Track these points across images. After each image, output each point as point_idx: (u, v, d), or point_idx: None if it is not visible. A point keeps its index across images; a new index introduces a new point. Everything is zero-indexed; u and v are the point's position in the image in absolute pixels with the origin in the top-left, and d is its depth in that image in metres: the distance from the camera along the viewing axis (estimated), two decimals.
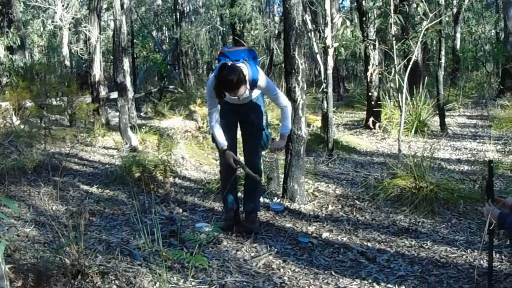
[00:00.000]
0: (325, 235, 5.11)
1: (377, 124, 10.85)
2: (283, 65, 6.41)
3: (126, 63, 13.29)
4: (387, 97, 11.40)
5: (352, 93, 19.41)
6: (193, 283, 3.95)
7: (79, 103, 12.24)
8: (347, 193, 6.49)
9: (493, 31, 25.28)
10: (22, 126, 10.13)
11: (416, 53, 11.56)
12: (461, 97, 15.29)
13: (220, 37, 26.10)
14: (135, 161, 7.45)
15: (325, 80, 8.45)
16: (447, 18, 16.01)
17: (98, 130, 10.80)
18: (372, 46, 10.78)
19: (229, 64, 4.58)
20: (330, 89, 8.47)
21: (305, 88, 6.08)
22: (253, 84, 4.75)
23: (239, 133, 5.30)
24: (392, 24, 7.93)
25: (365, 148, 9.48)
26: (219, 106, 4.89)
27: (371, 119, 11.01)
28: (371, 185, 6.58)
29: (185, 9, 21.48)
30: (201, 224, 5.38)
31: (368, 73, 11.01)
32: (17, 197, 6.37)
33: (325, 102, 8.89)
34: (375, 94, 11.31)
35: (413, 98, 10.85)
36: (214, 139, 5.04)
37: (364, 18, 10.79)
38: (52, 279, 3.77)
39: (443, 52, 10.97)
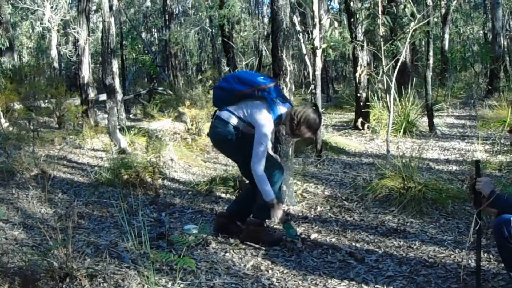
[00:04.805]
0: (313, 236, 5.12)
1: (366, 125, 10.88)
2: (272, 66, 6.41)
3: (115, 65, 13.28)
4: (375, 97, 11.44)
5: (341, 94, 19.46)
6: (181, 285, 3.94)
7: (67, 105, 12.19)
8: (335, 194, 6.51)
9: (481, 31, 25.42)
10: (10, 128, 10.09)
11: (404, 54, 11.56)
12: (449, 98, 15.36)
13: (209, 38, 26.09)
14: (124, 163, 7.44)
15: (314, 81, 8.46)
16: (435, 19, 16.10)
17: (87, 132, 10.75)
18: (360, 47, 10.82)
19: (315, 107, 4.78)
20: (318, 90, 8.48)
21: (293, 90, 6.09)
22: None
23: None
24: (380, 25, 7.95)
25: (353, 149, 9.50)
26: None
27: (359, 119, 11.03)
28: (360, 185, 6.61)
29: (174, 10, 21.43)
30: (189, 226, 5.38)
31: (357, 74, 11.04)
32: (5, 200, 6.35)
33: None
34: (364, 95, 11.35)
35: (402, 99, 10.89)
36: (265, 189, 4.66)
37: (352, 19, 10.82)
38: (39, 282, 3.76)
39: (431, 53, 11.03)
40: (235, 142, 4.77)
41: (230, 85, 4.86)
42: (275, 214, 4.70)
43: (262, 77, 4.88)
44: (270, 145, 5.35)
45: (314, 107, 4.70)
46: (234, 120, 4.77)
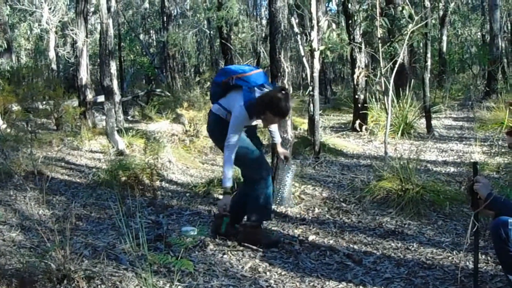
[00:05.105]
0: (311, 237, 5.12)
1: (364, 127, 10.88)
2: (269, 68, 6.42)
3: (113, 67, 13.25)
4: (373, 99, 11.44)
5: (339, 95, 19.51)
6: (179, 287, 3.94)
7: (65, 106, 12.18)
8: (333, 195, 6.51)
9: (479, 33, 25.43)
10: (8, 130, 10.07)
11: (402, 56, 11.60)
12: (447, 99, 15.39)
13: (207, 40, 26.10)
14: (122, 165, 7.43)
15: (311, 83, 8.46)
16: (433, 21, 16.10)
17: (84, 134, 10.73)
18: (358, 49, 10.82)
19: (287, 91, 4.64)
20: (316, 92, 8.48)
21: (291, 91, 6.08)
22: None
23: None
24: (378, 27, 7.96)
25: (351, 151, 9.50)
26: None
27: (357, 121, 11.03)
28: (358, 187, 6.60)
29: (172, 12, 21.45)
30: (187, 228, 5.36)
31: (355, 76, 11.05)
32: (3, 202, 6.33)
33: (311, 105, 8.91)
34: (362, 96, 11.35)
35: (400, 101, 10.89)
36: (226, 173, 4.66)
37: (350, 21, 10.83)
38: (37, 284, 3.75)
39: (429, 55, 11.03)
40: (224, 133, 4.78)
41: (218, 78, 4.99)
42: (220, 202, 4.73)
43: (245, 67, 4.97)
44: (277, 138, 5.38)
45: (282, 91, 4.59)
46: (221, 112, 4.84)
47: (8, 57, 17.74)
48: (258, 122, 5.13)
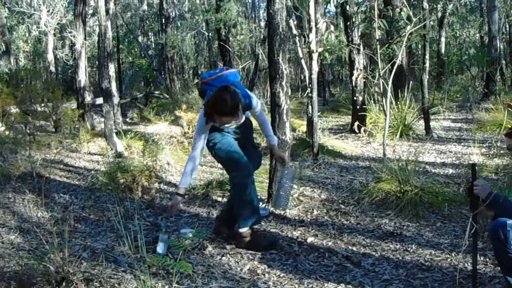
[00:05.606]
0: (310, 239, 5.11)
1: (362, 128, 10.87)
2: (268, 70, 6.41)
3: (112, 69, 13.27)
4: (372, 101, 11.45)
5: (337, 97, 19.52)
6: None
7: (64, 109, 12.19)
8: (332, 197, 6.50)
9: (478, 35, 25.45)
10: (6, 132, 10.07)
11: (401, 57, 11.61)
12: (446, 101, 15.40)
13: (205, 42, 26.09)
14: (121, 167, 7.43)
15: (310, 85, 8.46)
16: (432, 22, 16.11)
17: (83, 136, 10.74)
18: (356, 51, 10.83)
19: (229, 88, 4.50)
20: (315, 94, 8.48)
21: (289, 93, 6.09)
22: (248, 106, 4.77)
23: None
24: (377, 29, 7.96)
25: (350, 153, 9.50)
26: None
27: (356, 123, 11.03)
28: (356, 189, 6.60)
29: (171, 14, 21.45)
30: (186, 229, 5.37)
31: (353, 78, 11.06)
32: (1, 204, 6.34)
33: (310, 106, 8.91)
34: (360, 98, 11.37)
35: (398, 102, 10.89)
36: (186, 172, 4.75)
37: (348, 23, 10.84)
38: (36, 286, 3.75)
39: (427, 56, 11.02)
40: (209, 138, 4.84)
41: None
42: (171, 202, 4.82)
43: (217, 70, 5.00)
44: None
45: (224, 90, 4.46)
46: None
47: (7, 60, 17.77)
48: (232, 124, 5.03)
